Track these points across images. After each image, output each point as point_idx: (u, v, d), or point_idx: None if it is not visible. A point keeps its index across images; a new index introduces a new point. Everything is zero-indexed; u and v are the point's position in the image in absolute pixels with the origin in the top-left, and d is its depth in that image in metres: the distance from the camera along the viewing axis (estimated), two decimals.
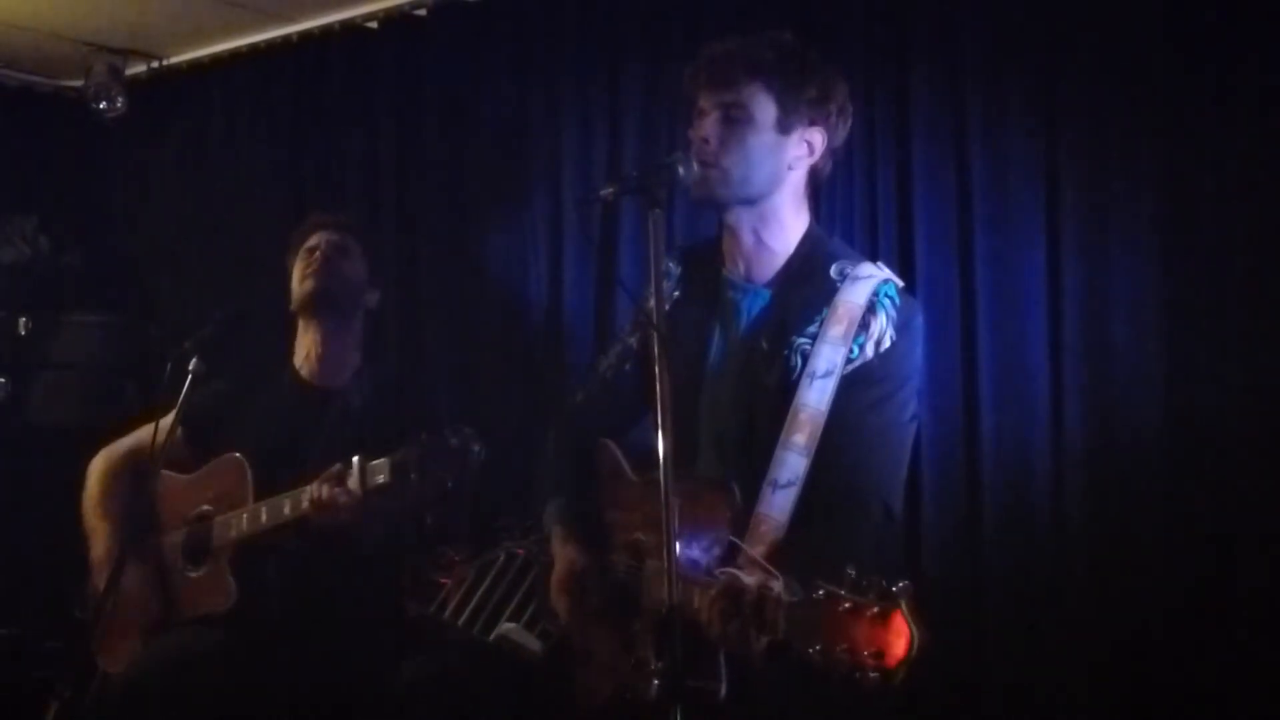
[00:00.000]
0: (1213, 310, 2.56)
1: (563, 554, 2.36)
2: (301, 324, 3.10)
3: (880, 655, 1.65)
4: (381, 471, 2.59)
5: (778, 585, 1.87)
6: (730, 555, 2.11)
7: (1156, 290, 2.61)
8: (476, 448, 2.51)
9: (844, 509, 2.17)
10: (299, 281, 3.05)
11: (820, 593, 1.73)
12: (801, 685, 1.97)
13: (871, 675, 1.65)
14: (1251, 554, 2.49)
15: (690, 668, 1.87)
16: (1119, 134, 2.67)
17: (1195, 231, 2.58)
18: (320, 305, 3.03)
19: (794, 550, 2.08)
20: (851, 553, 2.07)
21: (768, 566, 1.96)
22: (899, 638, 1.64)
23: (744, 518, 2.15)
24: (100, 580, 2.88)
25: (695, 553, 2.12)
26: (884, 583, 1.68)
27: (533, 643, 2.62)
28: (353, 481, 2.61)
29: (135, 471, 3.06)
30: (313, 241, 3.08)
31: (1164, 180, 2.61)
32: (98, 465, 3.12)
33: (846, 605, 1.69)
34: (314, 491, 2.66)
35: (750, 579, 1.91)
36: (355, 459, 2.62)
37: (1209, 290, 2.56)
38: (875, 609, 1.66)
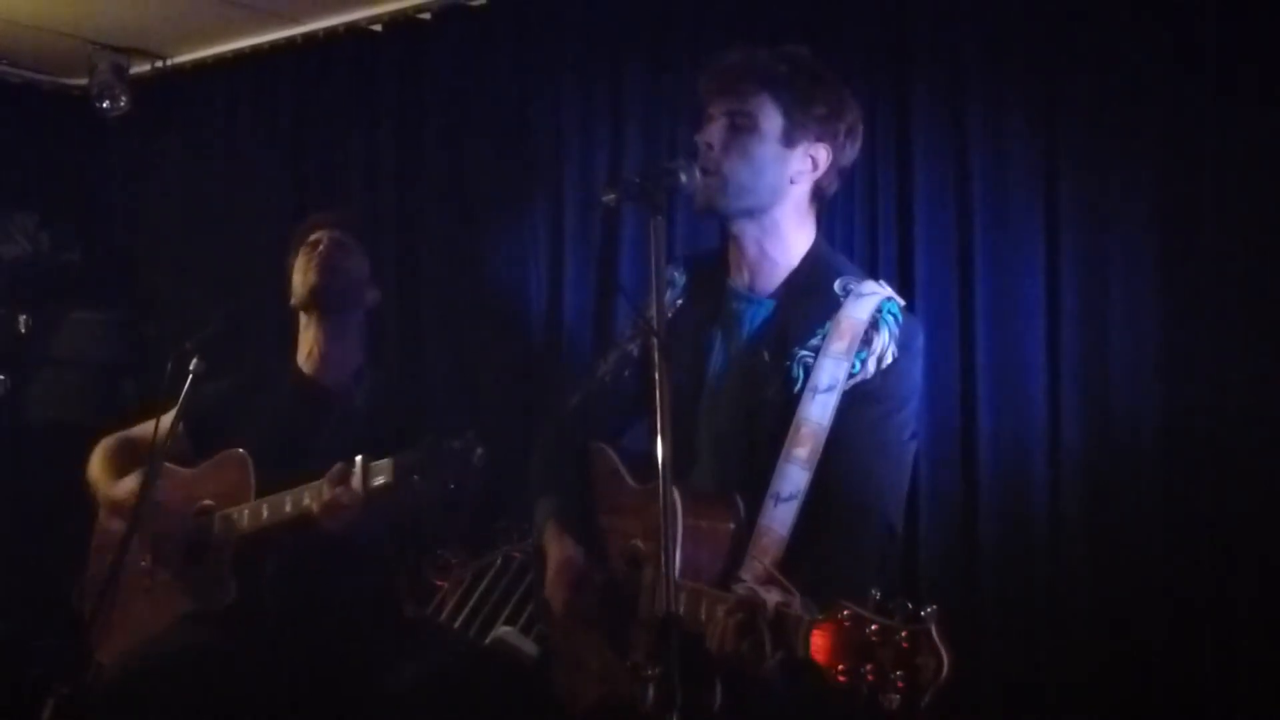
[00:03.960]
0: (1212, 317, 2.56)
1: (557, 549, 2.34)
2: (303, 321, 3.10)
3: (908, 679, 1.62)
4: (384, 471, 2.59)
5: (796, 602, 1.85)
6: (734, 567, 2.10)
7: (1155, 297, 2.62)
8: (479, 451, 2.51)
9: (848, 523, 2.16)
10: (301, 276, 3.04)
11: (845, 613, 1.71)
12: (806, 701, 1.94)
13: (894, 697, 1.62)
14: (1249, 560, 2.50)
15: (684, 678, 1.85)
16: (1118, 141, 2.67)
17: (1194, 238, 2.58)
18: (322, 300, 3.03)
19: (801, 565, 2.06)
20: (857, 567, 2.09)
21: (784, 582, 1.93)
22: (930, 660, 1.61)
23: (746, 530, 2.14)
24: (101, 566, 2.89)
25: (698, 564, 2.10)
26: (909, 605, 1.66)
27: (529, 646, 2.63)
28: (355, 481, 2.61)
29: (136, 455, 3.05)
30: (315, 237, 3.08)
31: (1163, 188, 2.62)
32: (99, 448, 3.12)
33: (873, 628, 1.66)
34: (318, 491, 2.65)
35: (769, 595, 1.88)
36: (358, 458, 2.62)
37: (1208, 297, 2.56)
38: (904, 633, 1.63)
